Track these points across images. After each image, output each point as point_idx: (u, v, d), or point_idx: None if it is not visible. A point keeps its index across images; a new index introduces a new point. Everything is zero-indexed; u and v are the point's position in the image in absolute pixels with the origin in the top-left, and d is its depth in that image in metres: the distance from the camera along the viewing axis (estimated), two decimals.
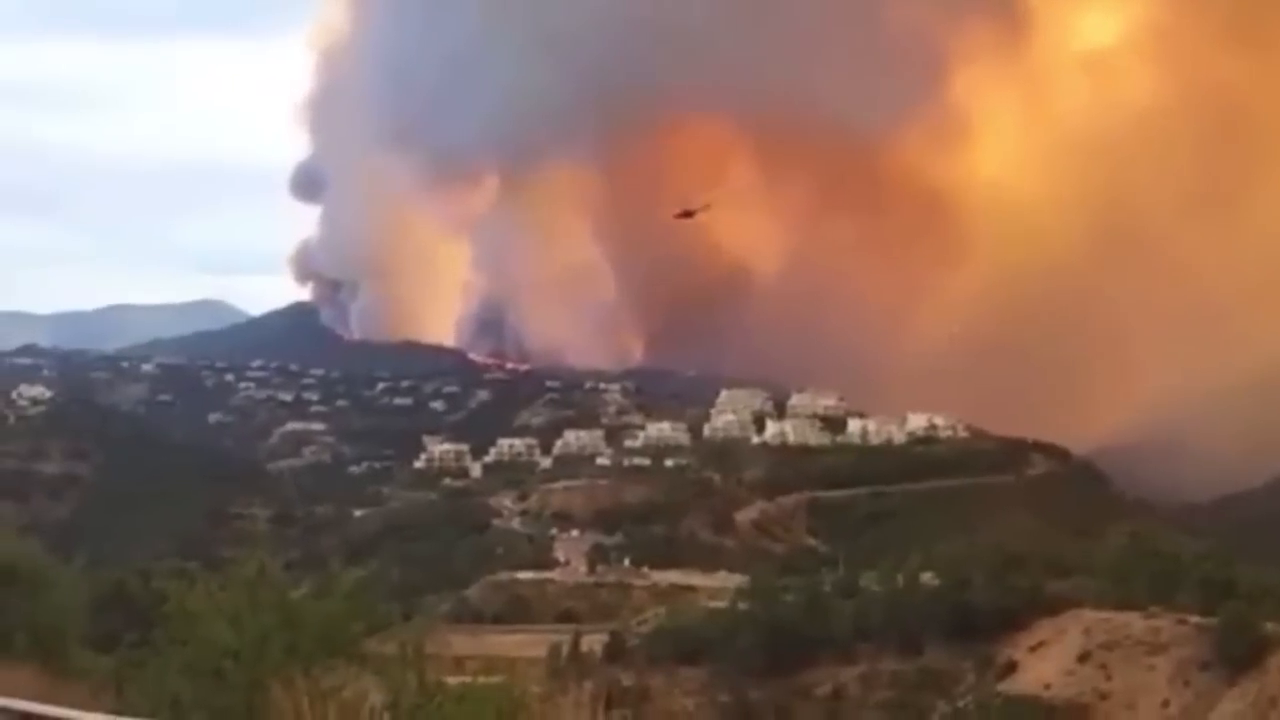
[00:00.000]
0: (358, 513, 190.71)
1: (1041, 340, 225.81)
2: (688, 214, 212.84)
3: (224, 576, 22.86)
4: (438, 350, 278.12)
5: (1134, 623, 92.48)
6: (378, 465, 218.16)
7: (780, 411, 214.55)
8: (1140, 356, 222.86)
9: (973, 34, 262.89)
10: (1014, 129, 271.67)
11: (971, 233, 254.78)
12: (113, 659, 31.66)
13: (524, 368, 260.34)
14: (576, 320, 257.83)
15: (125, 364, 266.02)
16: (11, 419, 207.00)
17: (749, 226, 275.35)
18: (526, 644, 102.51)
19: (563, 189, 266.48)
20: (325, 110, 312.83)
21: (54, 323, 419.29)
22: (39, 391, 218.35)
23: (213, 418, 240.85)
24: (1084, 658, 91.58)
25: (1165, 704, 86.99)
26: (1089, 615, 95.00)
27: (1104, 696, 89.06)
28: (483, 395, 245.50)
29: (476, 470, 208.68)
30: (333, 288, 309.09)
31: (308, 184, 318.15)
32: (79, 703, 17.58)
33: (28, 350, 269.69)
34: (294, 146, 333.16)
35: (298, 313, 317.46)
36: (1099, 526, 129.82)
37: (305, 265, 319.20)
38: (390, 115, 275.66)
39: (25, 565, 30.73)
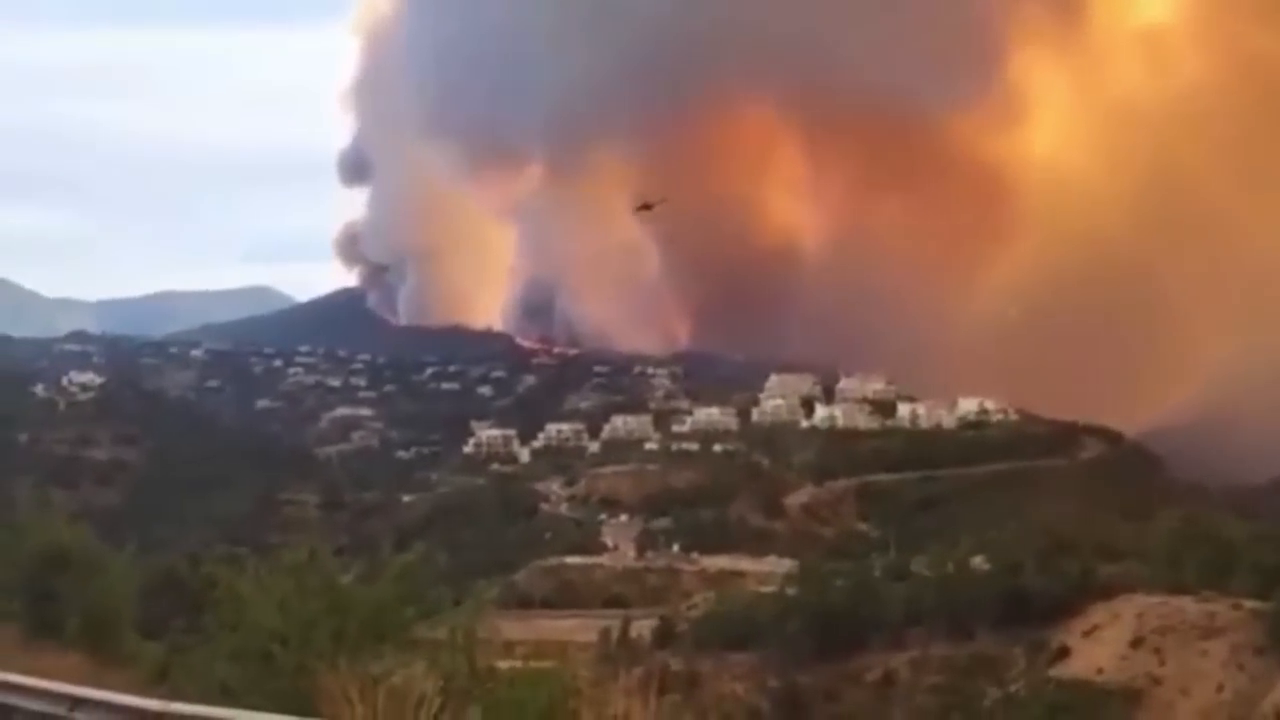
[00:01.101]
0: (406, 498, 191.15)
1: (1094, 322, 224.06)
2: (646, 207, 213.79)
3: (273, 562, 22.76)
4: (485, 335, 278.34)
5: (1188, 607, 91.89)
6: (426, 450, 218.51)
7: (829, 396, 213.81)
8: (1194, 336, 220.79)
9: (1027, 11, 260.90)
10: (1067, 107, 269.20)
11: (1024, 213, 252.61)
12: (162, 644, 31.70)
13: (571, 352, 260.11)
14: (624, 304, 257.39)
15: (174, 350, 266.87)
16: (61, 405, 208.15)
17: (797, 208, 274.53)
18: (576, 629, 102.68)
19: (608, 171, 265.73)
20: (370, 94, 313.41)
21: (103, 309, 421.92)
22: (89, 378, 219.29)
23: (261, 403, 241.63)
24: (1137, 643, 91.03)
25: (1220, 688, 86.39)
26: (1142, 600, 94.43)
27: (1157, 681, 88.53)
28: (530, 380, 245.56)
29: (524, 455, 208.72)
30: (379, 272, 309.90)
31: (354, 168, 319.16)
32: (129, 687, 17.49)
33: (77, 336, 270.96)
34: (341, 133, 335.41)
35: (345, 298, 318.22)
36: (1151, 510, 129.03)
37: (351, 248, 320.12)
38: (434, 99, 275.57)
39: (77, 551, 30.78)
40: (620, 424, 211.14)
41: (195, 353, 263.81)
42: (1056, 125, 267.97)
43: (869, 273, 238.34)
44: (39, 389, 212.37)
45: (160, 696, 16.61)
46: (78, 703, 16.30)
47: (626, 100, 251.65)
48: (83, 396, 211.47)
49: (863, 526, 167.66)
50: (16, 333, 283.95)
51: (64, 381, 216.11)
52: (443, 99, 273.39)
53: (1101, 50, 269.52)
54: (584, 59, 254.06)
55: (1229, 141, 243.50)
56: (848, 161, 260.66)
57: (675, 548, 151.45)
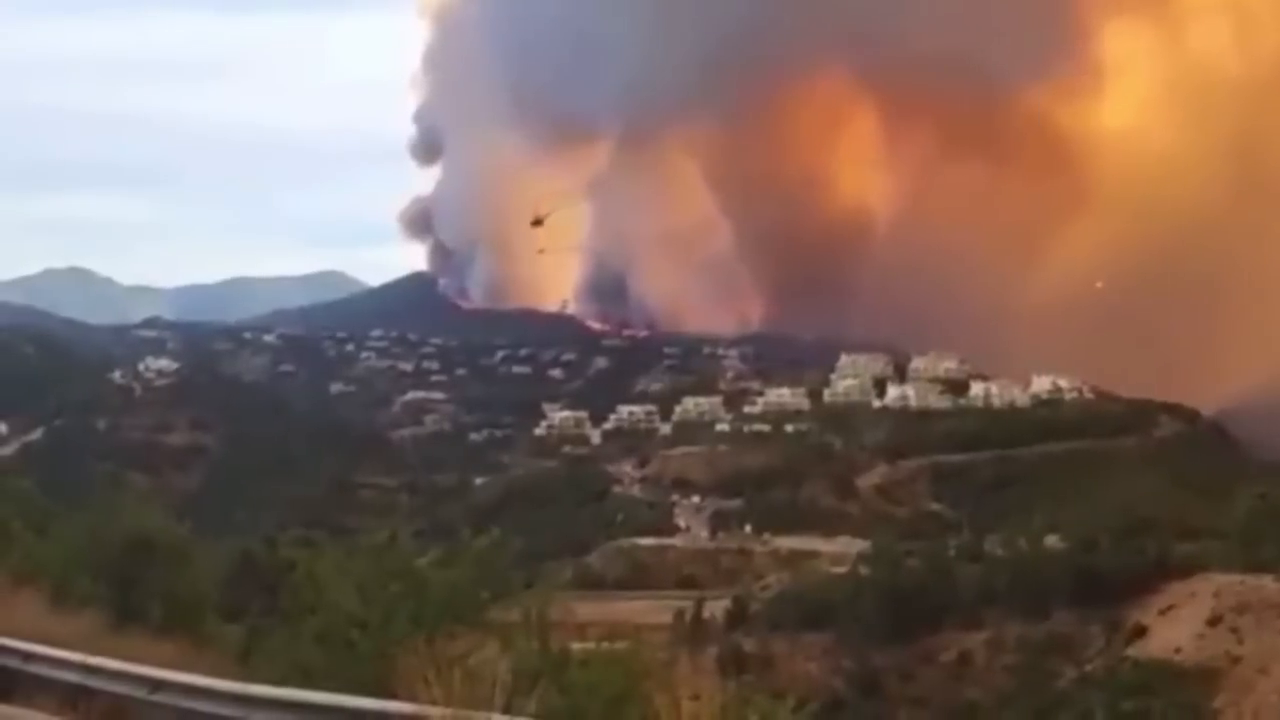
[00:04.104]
0: (479, 481, 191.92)
1: (1171, 297, 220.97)
2: (538, 222, 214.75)
3: (351, 545, 22.94)
4: (555, 317, 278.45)
5: (1266, 585, 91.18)
6: (498, 433, 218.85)
7: (901, 375, 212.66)
8: (1275, 313, 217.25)
9: None
10: (1150, 77, 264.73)
11: (1103, 186, 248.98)
12: (241, 628, 32.05)
13: (642, 334, 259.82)
14: (695, 285, 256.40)
15: (248, 335, 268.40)
16: (138, 391, 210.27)
17: (872, 183, 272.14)
18: (649, 610, 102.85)
19: (681, 148, 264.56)
20: (441, 75, 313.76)
21: (177, 296, 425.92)
22: (165, 364, 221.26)
23: (334, 388, 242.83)
24: (1215, 621, 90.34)
25: None
26: (1219, 578, 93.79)
27: (1235, 660, 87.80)
28: (601, 362, 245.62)
29: (596, 437, 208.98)
30: (447, 255, 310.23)
31: (428, 148, 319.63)
32: (214, 670, 17.71)
33: (152, 323, 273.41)
34: (412, 116, 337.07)
35: (416, 282, 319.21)
36: (1228, 489, 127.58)
37: (418, 223, 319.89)
38: (504, 78, 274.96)
39: (161, 538, 31.10)
40: (691, 405, 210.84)
41: (269, 338, 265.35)
42: (1139, 95, 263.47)
43: (945, 248, 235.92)
44: (116, 375, 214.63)
45: (241, 679, 16.82)
46: (157, 685, 16.48)
47: (699, 75, 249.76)
48: (159, 382, 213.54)
49: (936, 506, 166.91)
50: (93, 320, 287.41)
51: (140, 368, 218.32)
52: (513, 78, 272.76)
53: (1185, 19, 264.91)
54: (656, 34, 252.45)
55: None
56: (924, 135, 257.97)
57: (747, 528, 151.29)
